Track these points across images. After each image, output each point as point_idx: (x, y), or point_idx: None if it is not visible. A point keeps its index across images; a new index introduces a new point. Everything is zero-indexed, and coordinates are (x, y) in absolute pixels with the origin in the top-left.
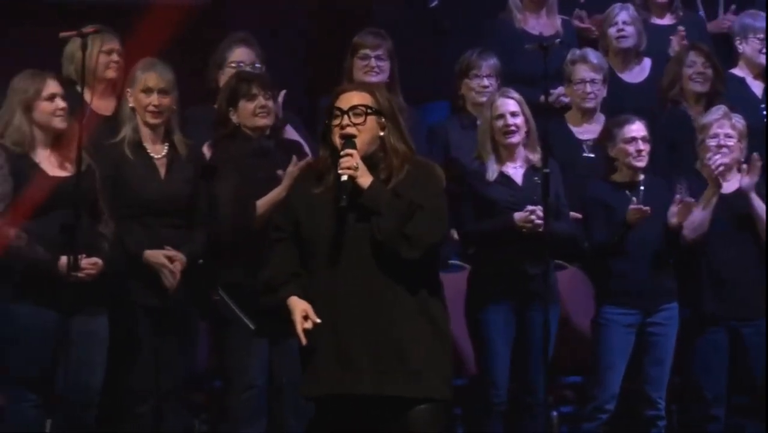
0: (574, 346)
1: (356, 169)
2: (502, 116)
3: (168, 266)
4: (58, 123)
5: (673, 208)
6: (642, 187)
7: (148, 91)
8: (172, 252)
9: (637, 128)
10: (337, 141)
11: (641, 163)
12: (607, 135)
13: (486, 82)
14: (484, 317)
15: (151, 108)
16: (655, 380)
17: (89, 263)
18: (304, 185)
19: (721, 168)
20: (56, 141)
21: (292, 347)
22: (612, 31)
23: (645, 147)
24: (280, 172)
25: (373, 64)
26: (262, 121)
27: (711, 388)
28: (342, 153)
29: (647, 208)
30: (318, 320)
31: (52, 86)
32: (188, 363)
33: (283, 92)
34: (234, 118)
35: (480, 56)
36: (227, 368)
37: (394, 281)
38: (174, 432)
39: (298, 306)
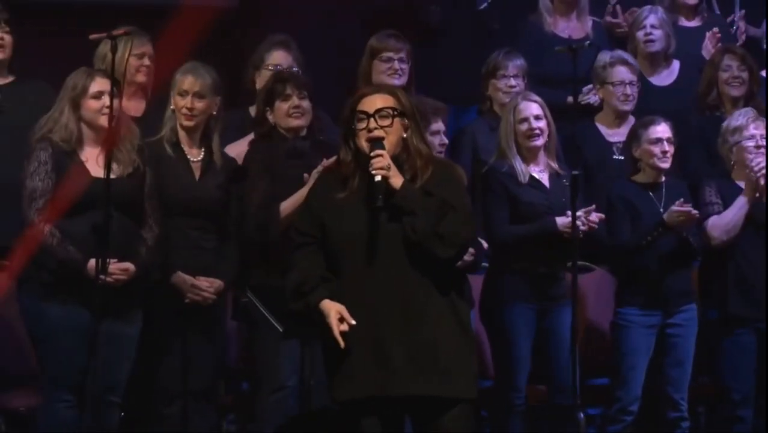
0: (601, 347)
1: (389, 169)
2: (526, 120)
3: (195, 297)
4: (104, 121)
5: (674, 208)
6: (664, 189)
7: (183, 93)
8: (201, 281)
9: (662, 129)
10: (364, 144)
11: (665, 165)
12: (633, 135)
13: (513, 82)
14: (505, 319)
15: (184, 111)
16: (677, 382)
17: (119, 268)
18: (326, 189)
19: (764, 170)
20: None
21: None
22: (640, 34)
23: (670, 148)
24: (306, 175)
25: (397, 67)
26: (296, 122)
27: (738, 389)
28: (372, 154)
29: (695, 211)
30: (353, 322)
31: (99, 84)
32: (217, 364)
33: None
34: (270, 118)
35: (507, 56)
36: (258, 369)
37: (427, 282)
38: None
39: (333, 308)
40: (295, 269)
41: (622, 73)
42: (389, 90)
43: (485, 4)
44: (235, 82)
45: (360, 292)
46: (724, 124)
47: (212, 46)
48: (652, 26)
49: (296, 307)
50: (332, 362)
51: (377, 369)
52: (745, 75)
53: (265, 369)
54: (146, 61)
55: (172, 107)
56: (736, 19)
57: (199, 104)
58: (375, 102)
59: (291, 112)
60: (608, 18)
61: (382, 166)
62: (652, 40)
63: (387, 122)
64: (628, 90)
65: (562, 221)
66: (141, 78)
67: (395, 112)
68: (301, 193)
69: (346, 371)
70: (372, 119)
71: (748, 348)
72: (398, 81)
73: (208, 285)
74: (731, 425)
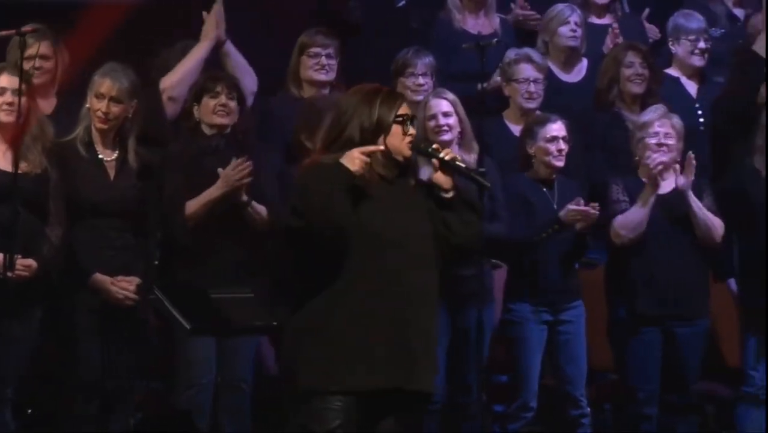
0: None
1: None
2: (434, 117)
3: (115, 295)
4: (5, 117)
5: (571, 207)
6: (556, 186)
7: (100, 96)
8: (121, 281)
9: (558, 128)
10: (403, 146)
11: (560, 163)
12: (528, 132)
13: (421, 80)
14: None
15: (99, 114)
16: (574, 379)
17: (22, 265)
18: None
19: (660, 167)
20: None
21: (235, 346)
22: (564, 30)
23: (564, 147)
24: (220, 170)
25: (324, 62)
26: (220, 120)
27: (644, 387)
28: (434, 147)
29: (594, 211)
30: (382, 147)
31: (3, 80)
32: (136, 363)
33: None
34: (196, 113)
35: (415, 55)
36: (173, 366)
37: (437, 279)
38: (118, 431)
39: (352, 152)
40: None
41: (526, 70)
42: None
43: (403, 2)
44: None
45: (388, 284)
46: (637, 120)
47: (124, 41)
48: (576, 23)
49: (326, 188)
50: (339, 350)
51: (401, 363)
52: (647, 72)
53: (180, 366)
54: (38, 63)
55: (87, 106)
56: (642, 18)
57: (115, 109)
58: (407, 108)
59: (217, 110)
60: (518, 11)
61: (456, 155)
62: (576, 37)
63: (414, 130)
64: (532, 87)
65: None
66: (36, 80)
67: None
68: (211, 191)
69: (362, 360)
70: (409, 124)
71: (655, 347)
72: (325, 76)
73: (128, 284)
74: (637, 423)
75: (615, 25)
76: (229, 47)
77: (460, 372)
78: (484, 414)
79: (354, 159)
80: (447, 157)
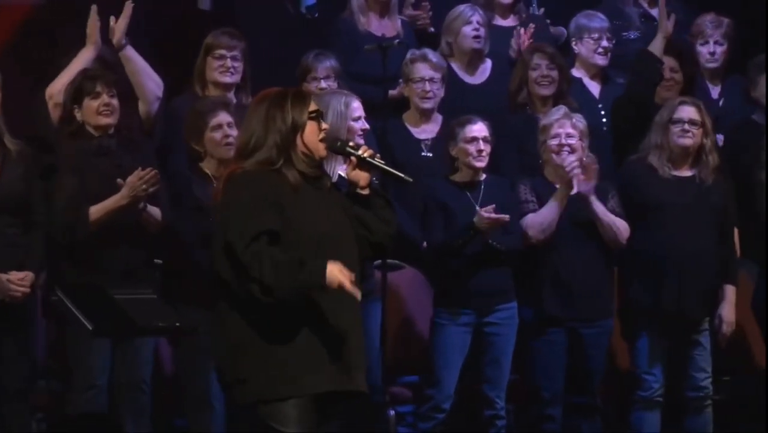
0: (412, 346)
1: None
2: (359, 119)
3: (13, 293)
4: None
5: (483, 214)
6: (482, 188)
7: None
8: (14, 276)
9: (478, 128)
10: (318, 145)
11: (481, 164)
12: (450, 134)
13: (324, 84)
14: None
15: None
16: (493, 380)
17: None
18: (270, 189)
19: (576, 169)
20: None
21: (136, 347)
22: (467, 30)
23: (486, 147)
24: (120, 181)
25: (229, 65)
26: (106, 120)
27: (548, 388)
28: (351, 144)
29: (506, 217)
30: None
31: None
32: (30, 363)
33: None
34: (78, 116)
35: (317, 58)
36: (69, 368)
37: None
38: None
39: (335, 267)
40: (266, 258)
41: (422, 69)
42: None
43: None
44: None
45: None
46: (540, 122)
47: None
48: (479, 23)
49: (295, 284)
50: (285, 354)
51: (344, 365)
52: (554, 74)
53: (76, 368)
54: None
55: None
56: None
57: None
58: (315, 104)
59: (101, 110)
60: (406, 11)
61: (375, 153)
62: (479, 37)
63: (326, 124)
64: (427, 87)
65: None
66: None
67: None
68: (115, 199)
69: (311, 365)
70: (321, 120)
71: (560, 348)
72: (230, 79)
73: (21, 279)
74: (542, 424)
75: (520, 28)
76: (130, 51)
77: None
78: (385, 414)
79: (334, 278)
80: (365, 155)
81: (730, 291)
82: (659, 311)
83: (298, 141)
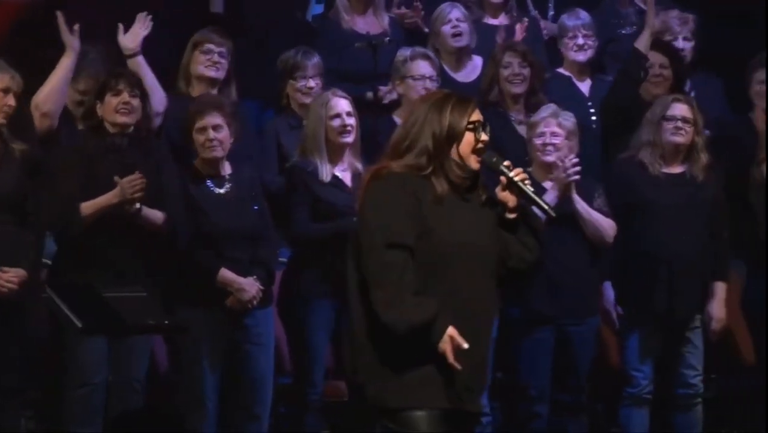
0: None
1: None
2: (338, 116)
3: (2, 289)
4: None
5: None
6: None
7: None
8: (3, 273)
9: None
10: (471, 157)
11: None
12: None
13: (312, 83)
14: (303, 315)
15: (5, 109)
16: None
17: None
18: (413, 195)
19: (576, 176)
20: None
21: (129, 346)
22: (446, 29)
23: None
24: (117, 178)
25: (216, 59)
26: (123, 119)
27: (535, 385)
28: (506, 163)
29: None
30: (466, 346)
31: None
32: (24, 360)
33: None
34: (99, 111)
35: (304, 56)
36: (64, 365)
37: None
38: (4, 430)
39: (448, 333)
40: (408, 289)
41: (423, 67)
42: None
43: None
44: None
45: (458, 301)
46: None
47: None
48: (458, 20)
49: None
50: (416, 363)
51: (466, 384)
52: (526, 72)
53: (71, 366)
54: None
55: None
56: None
57: (12, 102)
58: (478, 114)
59: (119, 108)
60: (394, 10)
61: (526, 177)
62: (459, 34)
63: (487, 137)
64: (429, 84)
65: None
66: None
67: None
68: (107, 197)
69: (430, 380)
70: (481, 131)
71: (547, 346)
72: (215, 73)
73: (12, 275)
74: (528, 422)
75: (519, 25)
76: (141, 61)
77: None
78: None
79: (446, 345)
80: (516, 178)
81: (720, 288)
82: (650, 310)
83: (453, 149)
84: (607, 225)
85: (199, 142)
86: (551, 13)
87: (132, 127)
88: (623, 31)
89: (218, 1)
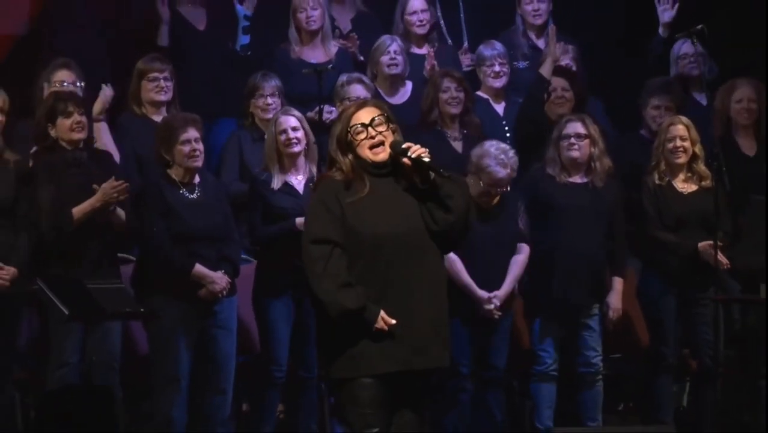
0: None
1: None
2: (284, 131)
3: None
4: None
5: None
6: None
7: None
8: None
9: None
10: (368, 152)
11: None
12: None
13: (270, 100)
14: (268, 305)
15: None
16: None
17: None
18: (335, 197)
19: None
20: None
21: (105, 330)
22: (385, 59)
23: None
24: (95, 186)
25: (163, 85)
26: (78, 135)
27: (465, 365)
28: (405, 146)
29: None
30: (393, 321)
31: None
32: (13, 347)
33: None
34: (53, 132)
35: (263, 78)
36: (47, 349)
37: (436, 257)
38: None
39: (381, 316)
40: (331, 277)
41: (357, 90)
42: (372, 102)
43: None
44: (26, 98)
45: (394, 280)
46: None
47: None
48: (395, 52)
49: (346, 317)
50: (346, 341)
51: (411, 346)
52: (461, 95)
53: (52, 348)
54: None
55: None
56: (462, 49)
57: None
58: (367, 114)
59: (74, 127)
60: (339, 40)
61: (424, 151)
62: (395, 64)
63: (383, 128)
64: None
65: (300, 220)
66: None
67: (385, 119)
68: (92, 202)
69: (377, 348)
70: (370, 128)
71: (474, 331)
72: (164, 97)
73: (5, 273)
74: (457, 394)
75: (430, 52)
76: (103, 126)
77: (302, 351)
78: (320, 386)
79: (378, 321)
80: (414, 155)
81: (617, 282)
82: (549, 297)
83: (356, 151)
84: (523, 260)
85: (184, 153)
86: (465, 44)
87: (82, 142)
88: (517, 64)
89: (164, 35)
